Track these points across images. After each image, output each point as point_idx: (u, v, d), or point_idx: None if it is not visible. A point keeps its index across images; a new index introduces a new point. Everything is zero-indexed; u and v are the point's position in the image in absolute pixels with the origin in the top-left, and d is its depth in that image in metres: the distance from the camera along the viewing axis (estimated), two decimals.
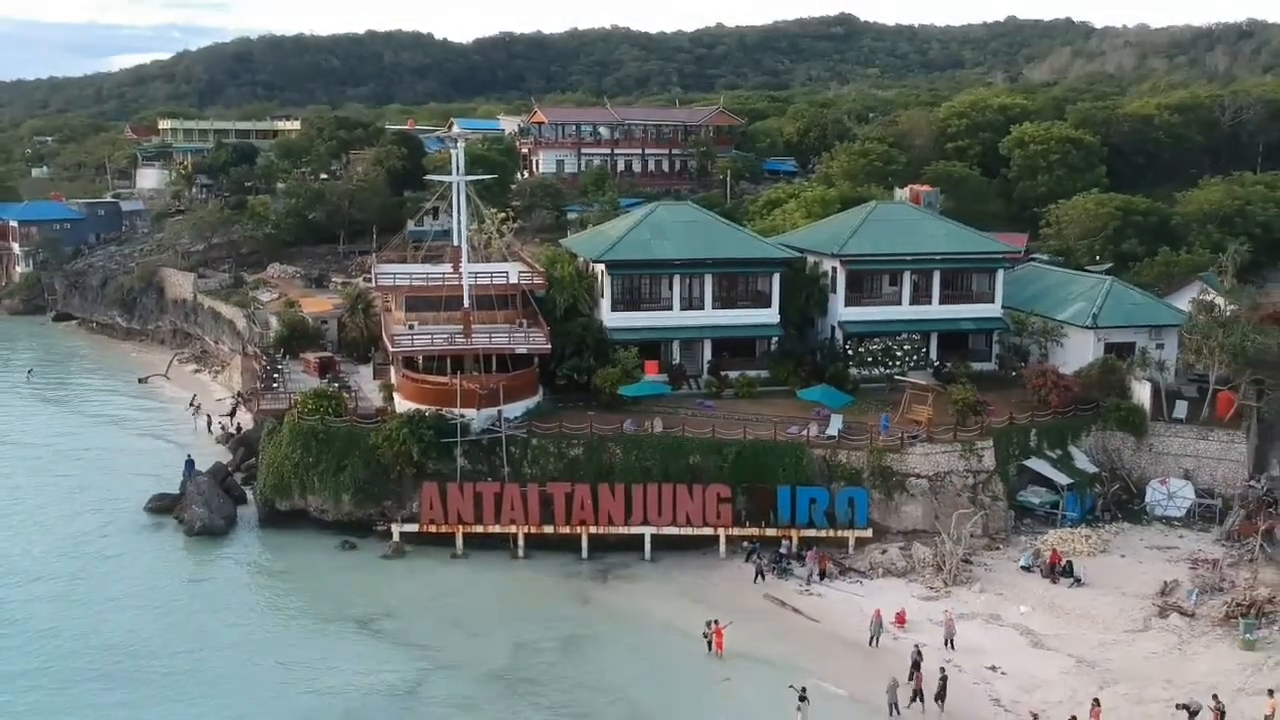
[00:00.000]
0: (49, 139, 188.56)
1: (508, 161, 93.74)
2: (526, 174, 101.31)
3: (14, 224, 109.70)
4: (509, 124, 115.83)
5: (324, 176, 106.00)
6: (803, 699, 32.80)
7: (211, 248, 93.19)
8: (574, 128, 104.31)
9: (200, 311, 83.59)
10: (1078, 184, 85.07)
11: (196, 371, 78.51)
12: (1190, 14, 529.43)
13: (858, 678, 35.02)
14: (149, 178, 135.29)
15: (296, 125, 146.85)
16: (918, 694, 33.68)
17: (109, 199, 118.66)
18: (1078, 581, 41.18)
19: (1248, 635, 35.98)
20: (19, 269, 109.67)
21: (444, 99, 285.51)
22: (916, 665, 34.54)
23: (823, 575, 41.62)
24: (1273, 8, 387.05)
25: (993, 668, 35.46)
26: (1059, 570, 41.06)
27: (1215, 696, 31.73)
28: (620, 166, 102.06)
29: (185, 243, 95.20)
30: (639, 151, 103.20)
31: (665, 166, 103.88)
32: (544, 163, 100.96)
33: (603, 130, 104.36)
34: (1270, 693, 31.94)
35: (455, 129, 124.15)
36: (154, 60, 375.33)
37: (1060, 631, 38.12)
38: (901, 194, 67.99)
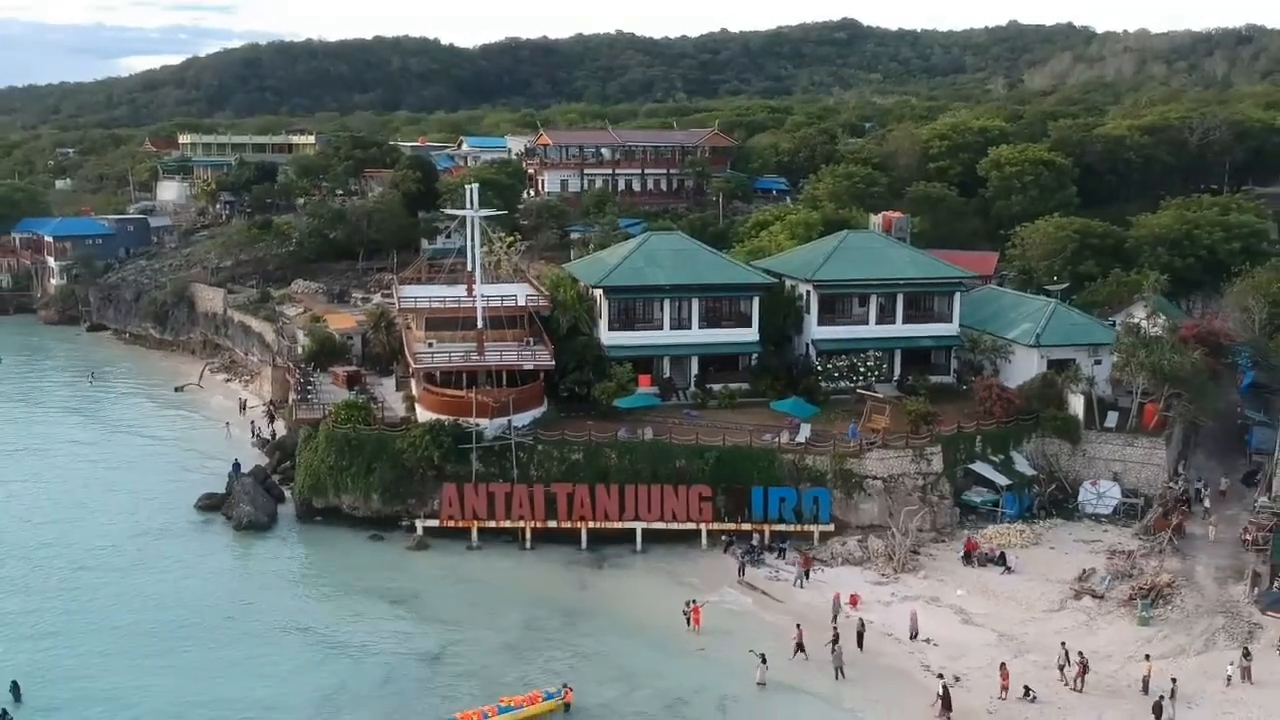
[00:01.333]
0: (70, 151, 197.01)
1: (515, 184, 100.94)
2: (532, 193, 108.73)
3: (49, 239, 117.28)
4: (516, 143, 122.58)
5: (340, 194, 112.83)
6: (763, 661, 40.02)
7: (239, 264, 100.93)
8: (577, 149, 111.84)
9: (231, 325, 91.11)
10: (1050, 203, 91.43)
11: (228, 380, 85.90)
12: (1190, 20, 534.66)
13: (811, 646, 41.81)
14: (170, 190, 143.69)
15: (311, 139, 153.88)
16: (836, 638, 40.63)
17: (137, 215, 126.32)
18: (1009, 569, 47.73)
19: (1143, 613, 42.95)
20: (54, 281, 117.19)
21: (451, 105, 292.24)
22: (835, 617, 42.70)
23: (807, 574, 48.20)
24: (1272, 14, 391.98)
25: (926, 640, 42.49)
26: (976, 557, 48.13)
27: (1063, 643, 39.45)
28: (621, 185, 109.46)
29: (213, 259, 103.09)
30: (639, 171, 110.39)
31: (664, 185, 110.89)
32: (549, 182, 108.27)
33: (604, 151, 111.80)
34: (1147, 657, 39.07)
35: (465, 147, 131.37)
36: (164, 65, 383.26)
37: (988, 611, 45.14)
38: (875, 220, 74.81)
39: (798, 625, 42.72)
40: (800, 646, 41.63)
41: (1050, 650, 40.40)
